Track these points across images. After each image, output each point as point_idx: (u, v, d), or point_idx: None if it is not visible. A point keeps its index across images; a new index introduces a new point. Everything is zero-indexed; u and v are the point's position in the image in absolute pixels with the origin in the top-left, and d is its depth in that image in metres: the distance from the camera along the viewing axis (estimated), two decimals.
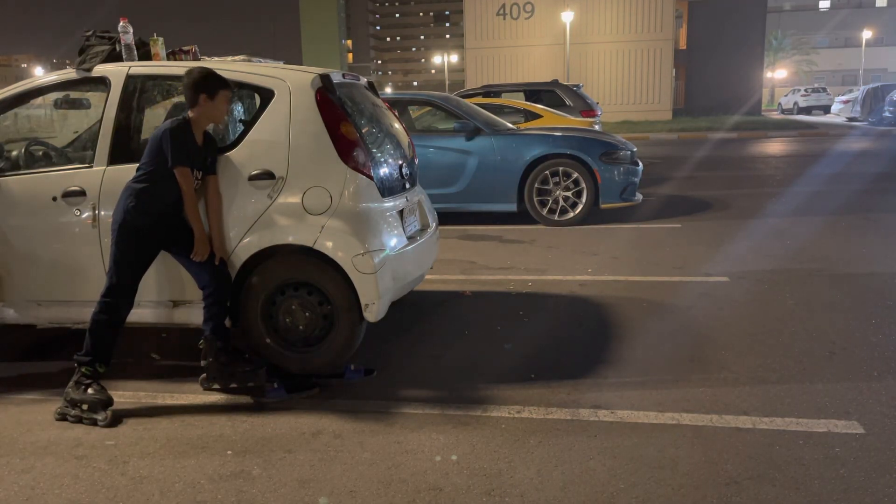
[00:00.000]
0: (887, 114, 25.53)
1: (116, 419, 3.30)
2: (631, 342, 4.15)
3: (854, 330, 4.26)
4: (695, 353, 3.93)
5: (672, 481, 2.63)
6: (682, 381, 3.57)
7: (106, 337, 3.41)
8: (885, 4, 57.96)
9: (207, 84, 3.44)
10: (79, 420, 3.30)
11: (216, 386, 3.60)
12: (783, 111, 39.53)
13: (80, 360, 3.40)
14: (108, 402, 3.34)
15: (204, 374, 3.60)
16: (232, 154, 3.65)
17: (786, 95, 41.37)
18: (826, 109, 35.77)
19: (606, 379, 3.62)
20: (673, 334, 4.28)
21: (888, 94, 26.44)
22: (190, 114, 3.46)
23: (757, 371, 3.66)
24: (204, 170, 3.52)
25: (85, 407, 3.31)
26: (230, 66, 3.86)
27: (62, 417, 3.34)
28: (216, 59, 4.24)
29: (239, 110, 3.98)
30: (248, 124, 3.73)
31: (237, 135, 3.76)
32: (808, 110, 37.01)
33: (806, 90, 38.88)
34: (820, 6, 60.30)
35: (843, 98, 32.04)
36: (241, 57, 4.21)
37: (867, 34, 50.80)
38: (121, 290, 3.40)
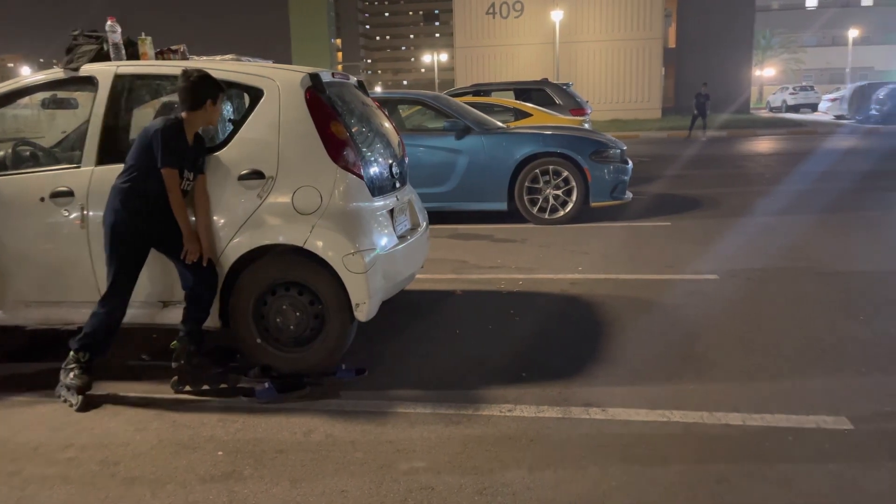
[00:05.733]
0: (874, 112, 25.71)
1: (87, 405, 3.42)
2: (622, 340, 4.17)
3: (843, 327, 4.29)
4: (685, 351, 3.95)
5: (664, 479, 2.65)
6: (673, 378, 3.58)
7: (99, 334, 3.49)
8: (871, 3, 58.16)
9: (212, 89, 3.46)
10: (66, 401, 3.45)
11: (187, 388, 3.59)
12: (772, 109, 39.68)
13: (71, 343, 3.51)
14: (85, 387, 3.44)
15: (175, 377, 3.60)
16: (221, 154, 3.63)
17: (774, 94, 41.53)
18: (814, 107, 35.91)
19: (597, 377, 3.63)
20: (663, 332, 4.30)
21: (874, 93, 26.62)
22: (184, 115, 3.45)
23: (747, 368, 3.68)
24: (195, 170, 3.51)
25: (65, 389, 3.47)
26: (219, 66, 3.84)
27: (59, 396, 3.50)
28: (205, 58, 4.22)
29: (228, 110, 3.96)
30: (238, 124, 3.71)
31: (226, 134, 3.74)
32: (796, 108, 37.17)
33: (794, 88, 39.05)
34: (807, 5, 60.54)
35: (831, 96, 32.18)
36: (230, 56, 4.19)
37: (854, 33, 51.05)
38: (118, 290, 3.44)
